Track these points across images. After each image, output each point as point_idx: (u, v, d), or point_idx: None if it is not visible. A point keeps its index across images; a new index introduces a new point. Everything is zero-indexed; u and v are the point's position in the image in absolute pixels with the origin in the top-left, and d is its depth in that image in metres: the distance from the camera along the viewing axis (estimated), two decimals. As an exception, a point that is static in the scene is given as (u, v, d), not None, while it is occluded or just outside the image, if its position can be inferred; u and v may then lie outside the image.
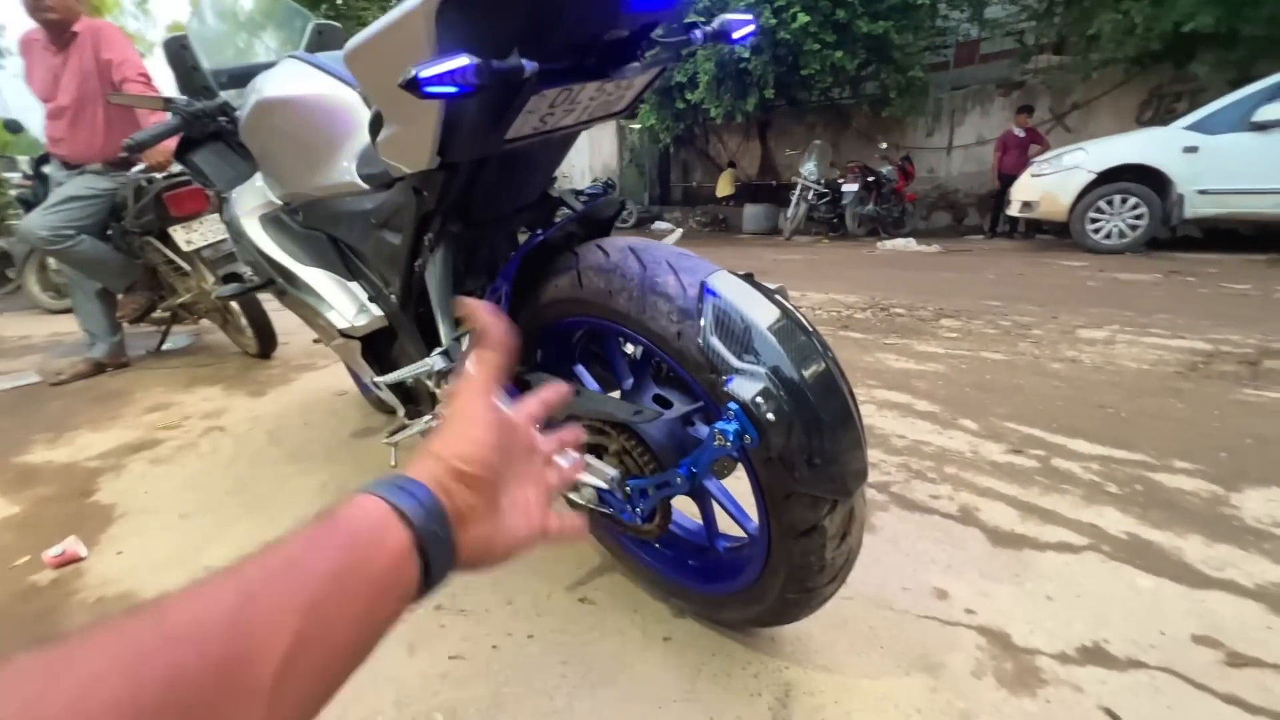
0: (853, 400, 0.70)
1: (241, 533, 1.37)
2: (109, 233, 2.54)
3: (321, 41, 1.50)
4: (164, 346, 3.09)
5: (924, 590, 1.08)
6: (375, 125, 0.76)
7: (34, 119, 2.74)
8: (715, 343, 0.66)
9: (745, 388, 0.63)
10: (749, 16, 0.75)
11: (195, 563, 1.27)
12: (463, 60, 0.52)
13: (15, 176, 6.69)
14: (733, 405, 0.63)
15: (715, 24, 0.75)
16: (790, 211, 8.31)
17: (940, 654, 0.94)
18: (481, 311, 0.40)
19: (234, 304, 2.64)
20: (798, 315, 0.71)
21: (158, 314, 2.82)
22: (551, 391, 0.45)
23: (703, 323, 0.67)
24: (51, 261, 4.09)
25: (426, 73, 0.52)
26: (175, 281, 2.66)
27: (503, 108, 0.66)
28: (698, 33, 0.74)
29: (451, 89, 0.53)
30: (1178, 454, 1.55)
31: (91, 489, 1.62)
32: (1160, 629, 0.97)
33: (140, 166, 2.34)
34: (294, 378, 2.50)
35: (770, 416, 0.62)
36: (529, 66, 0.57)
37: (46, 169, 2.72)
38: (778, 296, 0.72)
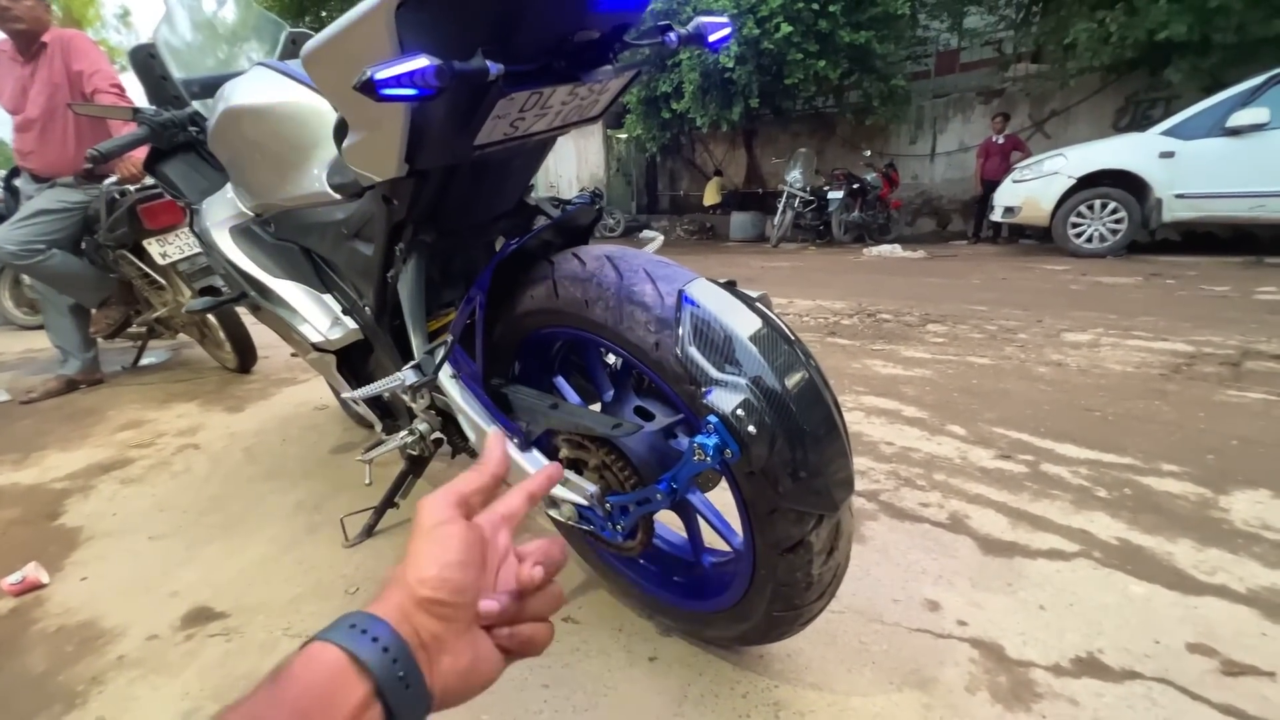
0: (838, 411, 0.67)
1: (213, 554, 1.32)
2: (83, 247, 2.49)
3: (296, 50, 1.47)
4: (140, 362, 3.01)
5: (915, 602, 1.06)
6: (340, 132, 0.73)
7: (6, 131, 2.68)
8: (694, 353, 0.64)
9: (725, 400, 0.61)
10: (725, 19, 0.74)
11: (162, 588, 1.22)
12: (421, 61, 0.50)
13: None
14: (712, 418, 0.61)
15: (691, 27, 0.73)
16: (777, 219, 8.34)
17: (933, 668, 0.92)
18: (493, 445, 0.38)
19: (212, 318, 2.58)
20: (779, 324, 0.68)
21: (133, 329, 2.75)
22: (539, 481, 0.40)
23: (681, 332, 0.65)
24: (25, 276, 3.99)
25: (383, 74, 0.49)
26: (150, 296, 2.60)
27: (470, 112, 0.63)
28: (672, 35, 0.72)
29: (410, 91, 0.50)
30: (1165, 457, 1.55)
31: (58, 511, 1.56)
32: (1155, 638, 0.96)
33: (113, 179, 2.29)
34: (274, 393, 2.45)
35: (752, 429, 0.60)
36: (494, 69, 0.55)
37: (17, 182, 2.66)
38: (759, 305, 0.70)
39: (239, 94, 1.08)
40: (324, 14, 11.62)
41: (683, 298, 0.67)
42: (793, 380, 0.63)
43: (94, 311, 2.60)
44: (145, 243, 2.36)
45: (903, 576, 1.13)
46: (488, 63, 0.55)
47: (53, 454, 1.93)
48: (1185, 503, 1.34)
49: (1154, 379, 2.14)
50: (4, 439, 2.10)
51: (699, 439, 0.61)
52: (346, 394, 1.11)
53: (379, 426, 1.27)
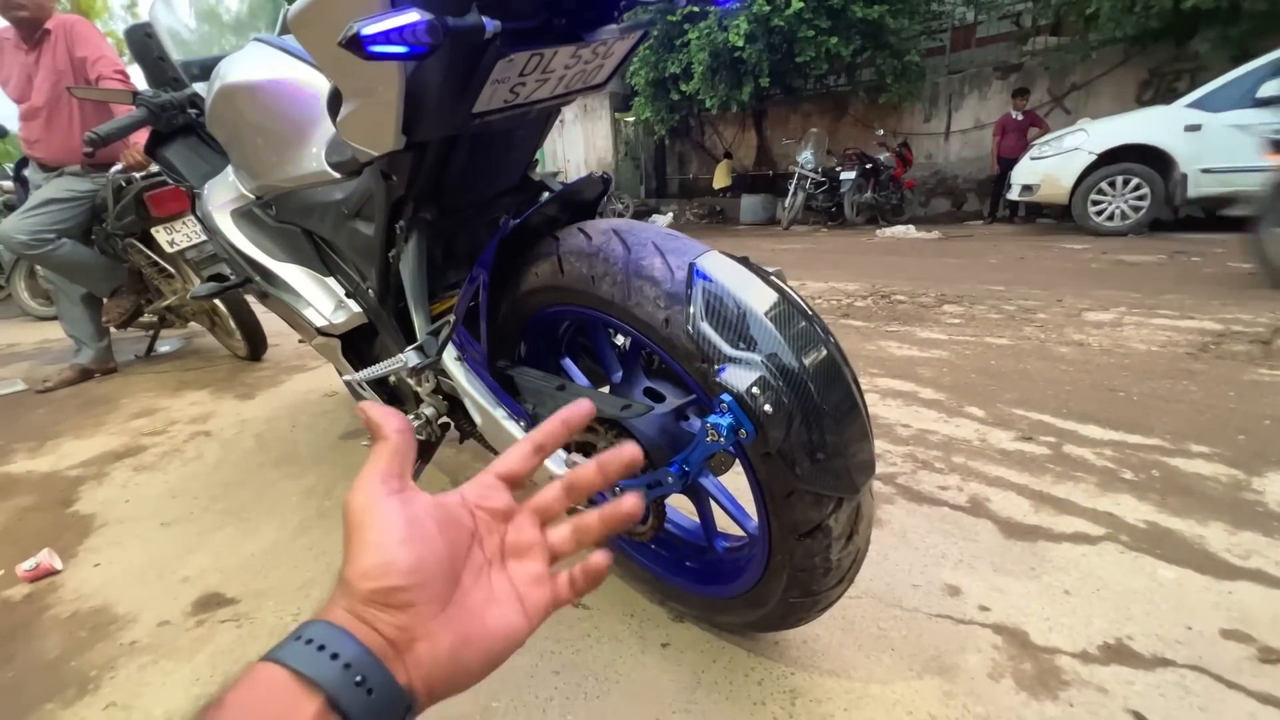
0: (858, 389, 0.64)
1: (223, 540, 1.32)
2: (92, 236, 2.49)
3: None
4: (153, 350, 3.03)
5: (935, 587, 1.03)
6: (334, 102, 0.70)
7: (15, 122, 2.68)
8: (706, 329, 0.61)
9: (740, 377, 0.58)
10: (736, -26, 0.70)
11: (174, 574, 1.22)
12: (412, 15, 0.46)
13: (7, 184, 6.62)
14: (726, 397, 0.57)
15: (700, -18, 0.69)
16: (788, 201, 8.22)
17: (954, 655, 0.89)
18: (372, 411, 0.32)
19: (221, 306, 2.58)
20: (796, 298, 0.65)
21: (145, 318, 2.76)
22: (546, 429, 0.34)
23: (692, 308, 0.62)
24: (39, 267, 4.03)
25: (371, 29, 0.46)
26: (160, 284, 2.60)
27: (467, 76, 0.60)
28: (681, -8, 0.68)
29: (400, 49, 0.47)
30: (1194, 437, 1.50)
31: (72, 499, 1.57)
32: (1187, 623, 0.92)
33: (119, 166, 2.28)
34: (284, 380, 2.45)
35: (768, 408, 0.57)
36: (490, 25, 0.52)
37: (26, 172, 2.65)
38: (775, 279, 0.66)
39: (235, 71, 1.05)
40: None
41: (694, 271, 0.64)
42: (811, 357, 0.60)
43: (106, 301, 2.61)
44: (153, 231, 2.35)
45: (922, 561, 1.10)
46: (484, 19, 0.51)
47: (67, 442, 1.95)
48: (1216, 484, 1.30)
49: (1180, 358, 2.07)
50: (20, 428, 2.12)
51: (712, 419, 0.58)
52: (349, 377, 1.09)
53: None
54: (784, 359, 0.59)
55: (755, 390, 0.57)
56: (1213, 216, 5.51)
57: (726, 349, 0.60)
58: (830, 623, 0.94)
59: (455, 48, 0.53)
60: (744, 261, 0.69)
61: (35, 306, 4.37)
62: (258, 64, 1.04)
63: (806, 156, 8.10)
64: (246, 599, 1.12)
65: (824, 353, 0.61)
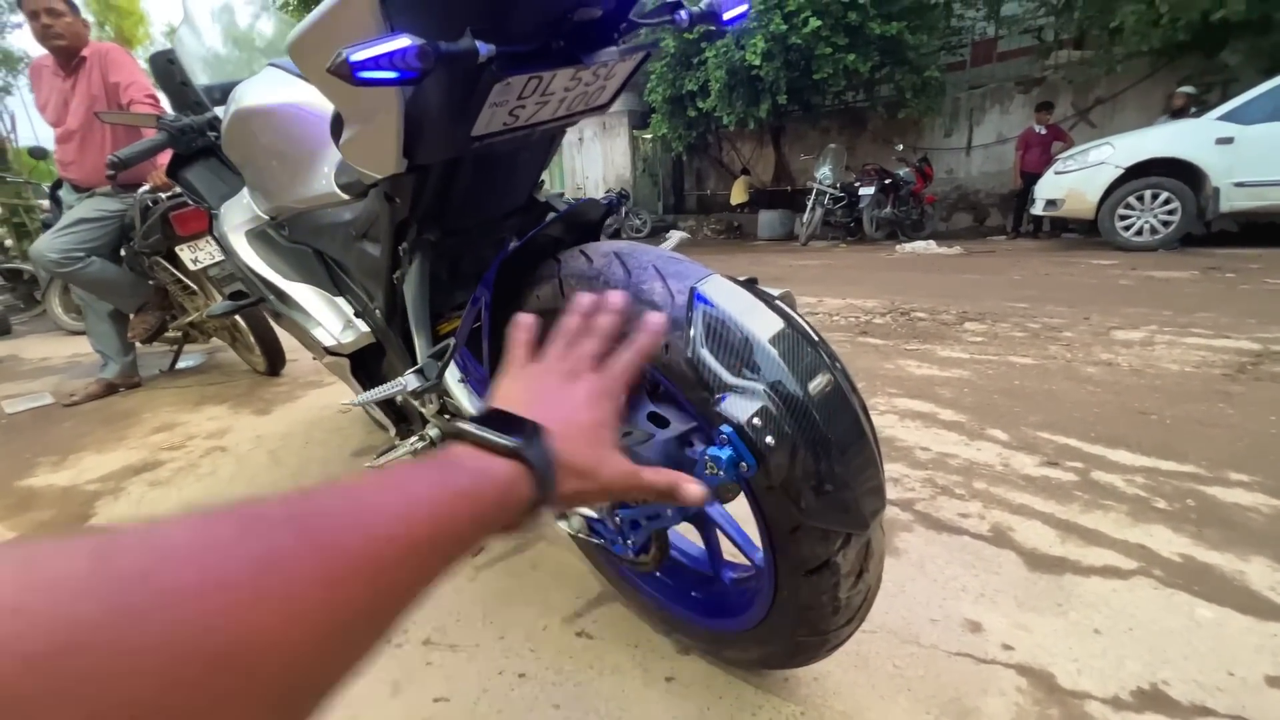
0: (866, 418, 0.61)
1: (232, 559, 1.32)
2: (121, 254, 2.56)
3: None
4: (177, 365, 3.09)
5: (955, 622, 0.98)
6: (336, 126, 0.70)
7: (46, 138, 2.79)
8: (706, 356, 0.58)
9: (741, 407, 0.55)
10: (742, -2, 0.68)
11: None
12: (402, 41, 0.46)
13: (44, 203, 6.90)
14: (726, 428, 0.55)
15: (703, 4, 0.68)
16: (806, 217, 8.19)
17: (975, 698, 0.84)
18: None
19: (241, 322, 2.63)
20: (801, 323, 0.62)
21: (169, 333, 2.82)
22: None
23: (692, 334, 0.60)
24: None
25: (359, 55, 0.45)
26: (184, 301, 2.66)
27: (465, 100, 0.59)
28: (683, 13, 0.67)
29: (390, 74, 0.46)
30: (1231, 465, 1.43)
31: (89, 513, 1.59)
32: (1228, 668, 0.86)
33: (146, 187, 2.35)
34: (300, 395, 2.47)
35: (770, 440, 0.54)
36: (484, 49, 0.51)
37: (60, 192, 2.75)
38: (779, 303, 0.64)
39: (249, 95, 1.07)
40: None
41: (695, 296, 0.62)
42: (816, 385, 0.57)
43: (132, 317, 2.67)
44: (177, 249, 2.41)
45: (941, 594, 1.05)
46: (477, 43, 0.50)
47: (89, 456, 1.98)
48: (1257, 515, 1.23)
49: (1216, 379, 1.99)
50: (46, 441, 2.16)
51: (711, 451, 0.55)
52: (358, 399, 1.09)
53: (393, 431, 1.25)
54: (787, 387, 0.57)
55: (757, 421, 0.54)
56: (1247, 231, 5.35)
57: (727, 377, 0.57)
58: (843, 659, 0.90)
59: (450, 72, 0.52)
60: (750, 284, 0.67)
61: (68, 321, 4.51)
62: (271, 88, 1.06)
63: (825, 173, 8.08)
64: (250, 620, 1.11)
65: (830, 380, 0.59)
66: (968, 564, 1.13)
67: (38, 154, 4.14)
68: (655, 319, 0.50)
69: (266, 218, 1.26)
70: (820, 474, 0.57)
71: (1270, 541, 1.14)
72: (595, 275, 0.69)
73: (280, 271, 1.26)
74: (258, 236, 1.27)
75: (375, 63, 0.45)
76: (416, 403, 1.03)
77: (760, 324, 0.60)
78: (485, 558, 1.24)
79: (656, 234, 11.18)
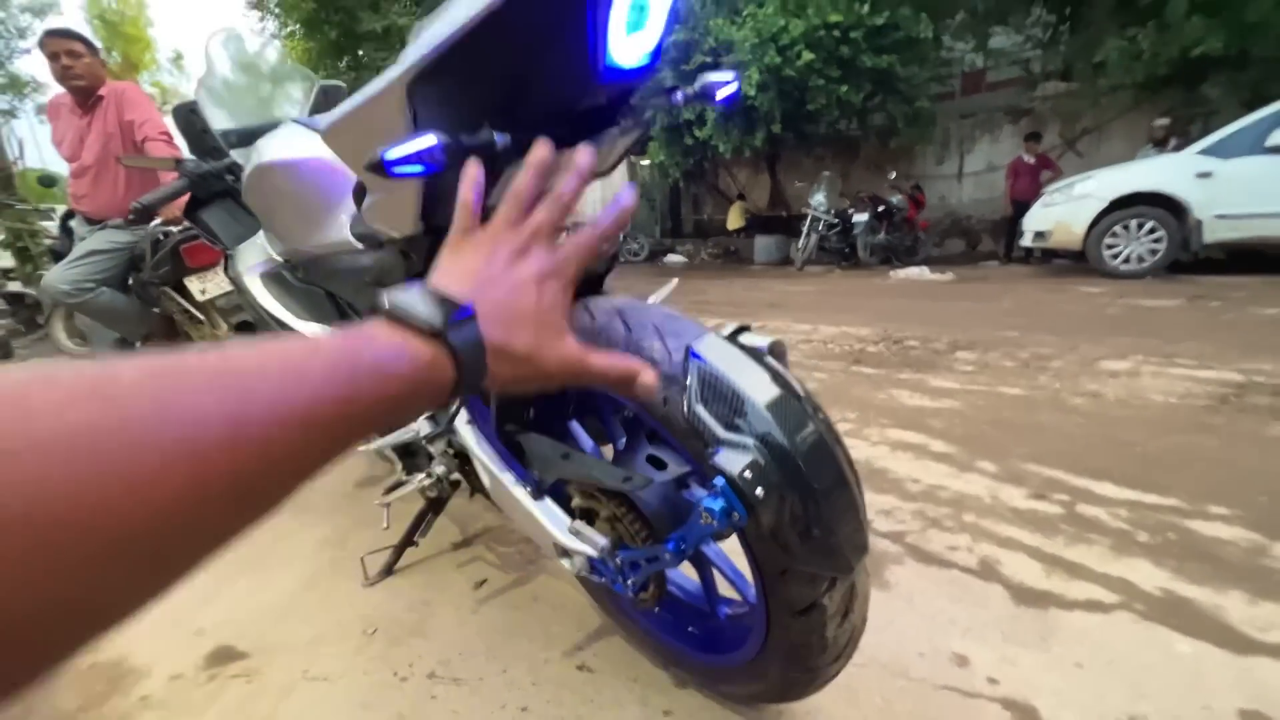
0: (849, 467, 0.66)
1: (239, 591, 1.35)
2: (129, 283, 2.62)
3: (326, 101, 1.54)
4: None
5: (942, 656, 1.02)
6: (359, 194, 0.76)
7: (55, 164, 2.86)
8: (701, 411, 0.63)
9: (732, 461, 0.60)
10: (730, 75, 0.75)
11: (191, 623, 1.24)
12: (430, 140, 0.51)
13: (52, 226, 6.98)
14: (719, 480, 0.60)
15: (697, 86, 0.74)
16: (801, 242, 8.33)
17: (961, 731, 0.87)
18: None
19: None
20: (788, 378, 0.67)
21: (174, 361, 2.86)
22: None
23: (689, 390, 0.65)
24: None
25: (393, 154, 0.51)
26: (190, 329, 2.71)
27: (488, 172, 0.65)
28: (678, 95, 0.73)
29: (418, 168, 0.52)
30: (1212, 498, 1.47)
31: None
32: (1204, 702, 0.90)
33: (159, 221, 2.41)
34: (303, 423, 2.51)
35: (759, 492, 0.59)
36: (500, 140, 0.57)
37: (72, 223, 2.82)
38: (769, 360, 0.69)
39: (270, 150, 1.13)
40: (360, 53, 12.18)
41: (690, 354, 0.67)
42: (801, 437, 0.62)
43: (137, 345, 2.72)
44: (186, 280, 2.47)
45: (929, 628, 1.09)
46: (495, 135, 0.56)
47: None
48: (1235, 549, 1.27)
49: (1199, 411, 2.05)
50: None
51: (705, 502, 0.60)
52: (374, 444, 1.13)
53: (399, 466, 1.28)
54: (775, 439, 0.61)
55: (748, 474, 0.59)
56: (1234, 257, 5.47)
57: (720, 431, 0.62)
58: (834, 693, 0.93)
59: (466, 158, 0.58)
60: (741, 332, 0.72)
61: (71, 346, 4.55)
62: (291, 143, 1.12)
63: (819, 200, 8.25)
64: (257, 653, 1.14)
65: (814, 433, 0.63)
66: (956, 597, 1.17)
67: (47, 182, 4.23)
68: (624, 197, 0.46)
69: (280, 259, 1.31)
70: (807, 522, 0.61)
71: (1247, 575, 1.18)
72: (599, 331, 0.74)
73: (293, 311, 1.31)
74: (272, 278, 1.33)
75: (406, 160, 0.51)
76: (424, 441, 1.08)
77: (750, 380, 0.65)
78: (487, 590, 1.27)
79: (654, 257, 11.32)
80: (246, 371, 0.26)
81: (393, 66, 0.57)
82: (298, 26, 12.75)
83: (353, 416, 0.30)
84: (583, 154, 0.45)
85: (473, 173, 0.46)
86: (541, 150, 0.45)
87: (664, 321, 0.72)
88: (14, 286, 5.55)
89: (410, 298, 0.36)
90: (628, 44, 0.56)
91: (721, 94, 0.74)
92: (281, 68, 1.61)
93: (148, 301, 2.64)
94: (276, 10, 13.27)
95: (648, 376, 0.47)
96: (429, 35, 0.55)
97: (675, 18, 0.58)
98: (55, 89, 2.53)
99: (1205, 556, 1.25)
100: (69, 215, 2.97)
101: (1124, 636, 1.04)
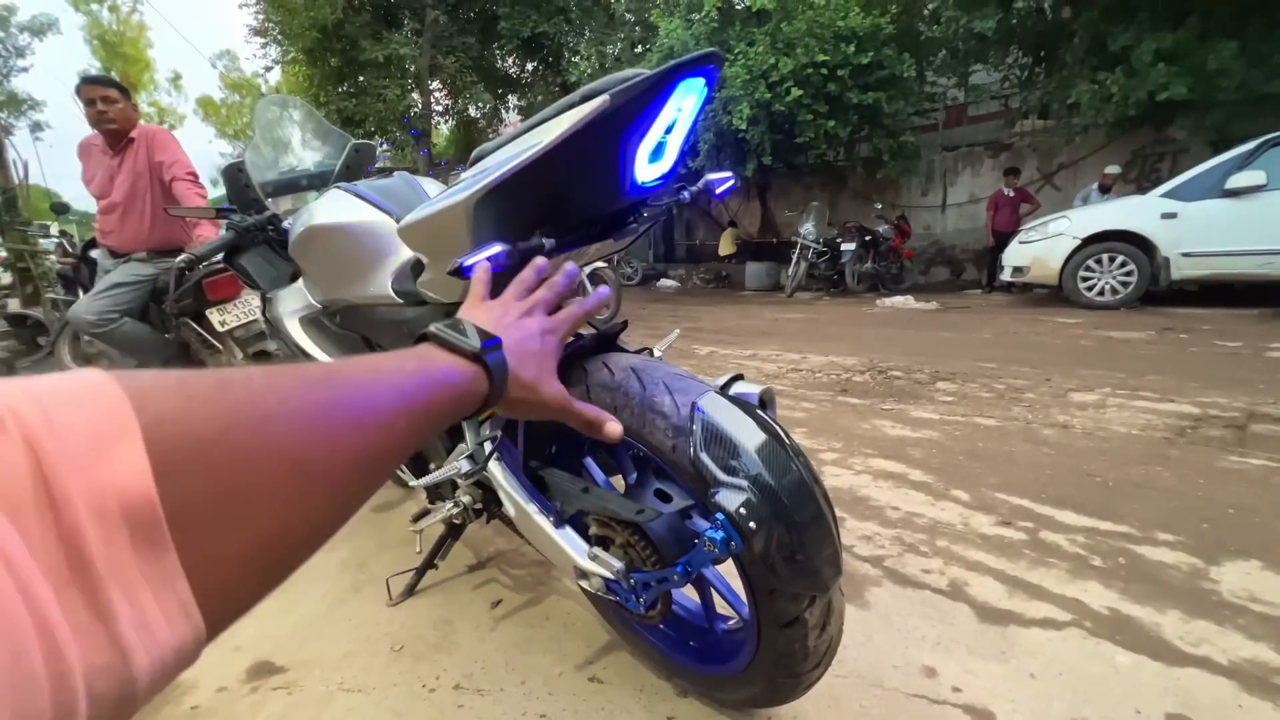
0: (826, 501, 0.80)
1: (269, 610, 1.45)
2: (148, 313, 2.74)
3: (359, 157, 1.71)
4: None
5: (914, 668, 1.15)
6: (417, 269, 0.90)
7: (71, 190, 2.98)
8: (704, 457, 0.77)
9: (730, 499, 0.74)
10: (728, 174, 0.90)
11: (227, 642, 1.34)
12: (497, 248, 0.66)
13: (50, 243, 7.06)
14: (720, 516, 0.73)
15: (700, 184, 0.89)
16: (791, 270, 8.57)
17: (927, 733, 1.00)
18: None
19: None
20: (775, 427, 0.82)
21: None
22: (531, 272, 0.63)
23: (694, 439, 0.79)
24: (84, 336, 4.31)
25: (469, 261, 0.66)
26: (207, 358, 2.82)
27: (522, 265, 0.80)
28: (685, 194, 0.89)
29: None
30: (1161, 525, 1.62)
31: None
32: (1136, 707, 1.03)
33: (184, 256, 2.54)
34: (315, 449, 2.62)
35: (753, 525, 0.72)
36: (547, 244, 0.71)
37: (94, 254, 2.94)
38: (758, 411, 0.83)
39: (320, 214, 1.27)
40: (361, 79, 12.47)
41: (695, 408, 0.81)
42: (785, 479, 0.76)
43: (154, 372, 2.82)
44: (207, 311, 2.60)
45: (903, 643, 1.22)
46: (543, 240, 0.71)
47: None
48: (1177, 572, 1.41)
49: (1157, 443, 2.21)
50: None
51: (708, 533, 0.74)
52: (417, 481, 1.24)
53: (425, 495, 1.41)
54: (764, 480, 0.75)
55: (743, 510, 0.73)
56: (1205, 290, 5.74)
57: (720, 474, 0.76)
58: (818, 700, 1.06)
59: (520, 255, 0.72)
60: (735, 380, 0.87)
61: (76, 369, 4.63)
62: (338, 207, 1.27)
63: (808, 229, 8.51)
64: (294, 667, 1.25)
65: (796, 473, 0.78)
66: (927, 615, 1.30)
67: (60, 209, 4.35)
68: (604, 292, 0.65)
69: (320, 306, 1.45)
70: (791, 548, 0.75)
71: (1185, 596, 1.32)
72: (616, 386, 0.88)
73: (327, 352, 1.44)
74: (311, 323, 1.46)
75: (477, 264, 0.66)
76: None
77: (743, 431, 0.79)
78: (503, 610, 1.39)
79: (647, 282, 11.52)
80: (367, 380, 0.36)
81: (459, 187, 0.72)
82: (300, 54, 13.05)
83: (431, 413, 0.40)
84: (570, 266, 0.63)
85: (486, 268, 0.64)
86: (538, 263, 0.63)
87: (673, 380, 0.86)
88: (14, 306, 5.61)
89: (455, 328, 0.47)
90: (649, 170, 0.71)
91: (721, 189, 0.90)
92: (318, 127, 1.77)
93: (165, 331, 2.76)
94: (280, 38, 13.54)
95: (613, 428, 0.60)
96: (492, 162, 0.70)
97: (687, 152, 0.73)
98: (81, 138, 2.68)
99: (1150, 579, 1.39)
100: (90, 244, 3.09)
101: (1073, 650, 1.18)
